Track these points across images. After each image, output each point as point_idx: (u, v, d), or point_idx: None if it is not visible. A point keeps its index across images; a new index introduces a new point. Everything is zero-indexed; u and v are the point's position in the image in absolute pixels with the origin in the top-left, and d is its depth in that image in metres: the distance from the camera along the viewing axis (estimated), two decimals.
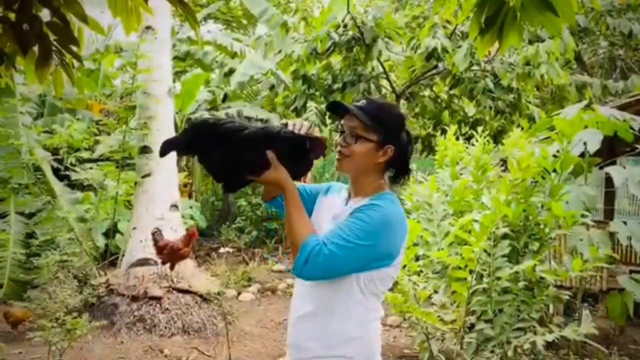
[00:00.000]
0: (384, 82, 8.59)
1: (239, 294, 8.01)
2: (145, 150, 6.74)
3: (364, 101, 1.85)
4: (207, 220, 12.04)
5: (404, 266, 3.92)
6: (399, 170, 1.88)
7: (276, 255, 10.92)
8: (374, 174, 1.85)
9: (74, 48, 2.69)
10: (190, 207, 10.49)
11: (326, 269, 1.69)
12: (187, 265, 6.30)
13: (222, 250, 10.21)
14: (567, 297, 4.34)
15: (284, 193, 1.77)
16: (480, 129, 5.07)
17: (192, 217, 9.94)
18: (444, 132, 6.08)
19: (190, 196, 11.81)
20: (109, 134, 7.99)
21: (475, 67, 7.99)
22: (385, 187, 1.88)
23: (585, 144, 4.52)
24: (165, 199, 6.63)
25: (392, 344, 5.81)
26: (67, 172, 7.52)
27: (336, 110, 1.87)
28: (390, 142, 1.81)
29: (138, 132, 6.79)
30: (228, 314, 5.66)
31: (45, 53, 2.62)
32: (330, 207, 1.94)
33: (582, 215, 4.24)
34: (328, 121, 8.81)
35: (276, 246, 11.43)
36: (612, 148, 6.25)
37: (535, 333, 3.94)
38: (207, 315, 5.99)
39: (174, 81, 7.93)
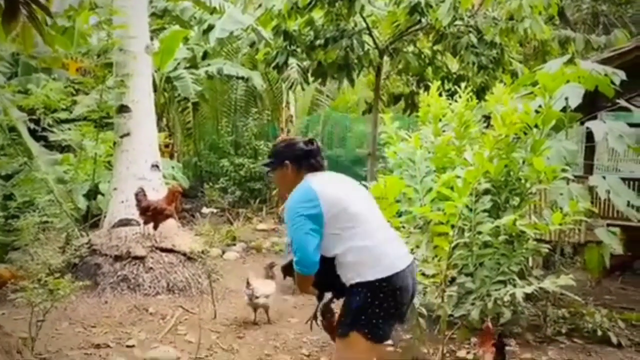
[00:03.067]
0: (367, 38, 8.43)
1: (223, 252, 8.05)
2: (123, 109, 6.60)
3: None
4: (190, 180, 11.95)
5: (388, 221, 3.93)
6: (309, 165, 2.73)
7: (260, 215, 10.96)
8: (295, 182, 2.69)
9: (43, 0, 2.57)
10: (172, 168, 10.38)
11: (306, 262, 2.53)
12: (170, 225, 6.28)
13: (205, 210, 10.19)
14: (546, 250, 4.43)
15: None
16: (463, 85, 5.03)
17: (174, 178, 9.84)
18: (427, 88, 6.02)
19: (171, 156, 11.67)
20: (86, 93, 7.79)
21: (458, 22, 7.87)
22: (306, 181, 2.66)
23: (567, 99, 4.52)
24: (145, 158, 6.55)
25: None
26: (45, 133, 7.36)
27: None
28: (285, 160, 2.75)
29: (116, 91, 6.64)
30: (212, 272, 5.68)
31: (12, 5, 2.50)
32: None
33: (563, 170, 4.28)
34: (310, 79, 8.67)
35: (260, 206, 11.44)
36: (594, 103, 6.27)
37: (515, 286, 4.03)
38: (191, 273, 6.01)
39: (151, 39, 7.71)
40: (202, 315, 5.15)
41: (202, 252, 5.75)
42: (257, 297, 5.03)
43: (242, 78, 11.58)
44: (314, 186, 2.59)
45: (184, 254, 6.13)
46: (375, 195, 3.58)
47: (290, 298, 5.98)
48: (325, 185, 2.62)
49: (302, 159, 2.75)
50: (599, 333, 4.67)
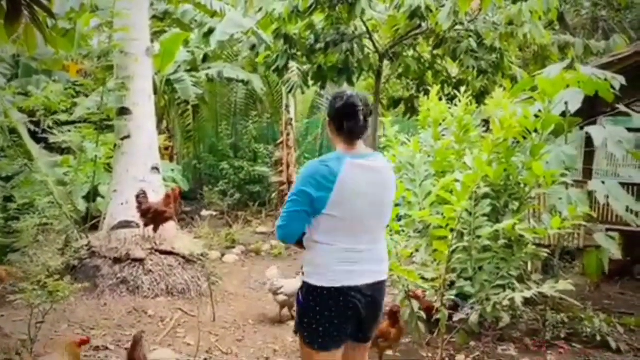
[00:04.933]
0: (367, 42, 8.46)
1: (222, 255, 8.05)
2: (124, 111, 6.61)
3: None
4: (189, 183, 11.96)
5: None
6: (341, 132, 2.48)
7: (260, 218, 10.96)
8: (335, 143, 2.55)
9: (45, 2, 2.58)
10: (172, 170, 10.39)
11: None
12: (170, 228, 6.29)
13: (205, 213, 10.19)
14: (545, 255, 4.44)
15: None
16: (463, 89, 5.05)
17: (174, 180, 9.86)
18: (427, 92, 6.04)
19: (171, 159, 11.68)
20: (86, 95, 7.79)
21: (458, 27, 7.90)
22: (338, 149, 2.50)
23: (566, 103, 4.53)
24: (145, 161, 6.55)
25: None
26: (45, 135, 7.36)
27: None
28: (330, 118, 2.55)
29: (116, 93, 6.65)
30: (212, 275, 5.69)
31: (15, 7, 2.51)
32: None
33: (562, 175, 4.30)
34: (310, 82, 8.68)
35: (260, 209, 11.45)
36: (593, 108, 6.29)
37: (514, 290, 4.03)
38: (190, 276, 6.01)
39: (152, 41, 7.72)
40: (201, 318, 5.15)
41: (202, 254, 5.76)
42: (277, 294, 5.23)
43: (242, 81, 11.59)
44: (334, 166, 2.39)
45: (184, 257, 6.13)
46: None
47: None
48: (350, 172, 2.41)
49: (335, 119, 2.52)
50: (598, 338, 4.68)
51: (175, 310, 5.45)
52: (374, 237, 2.55)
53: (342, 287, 2.41)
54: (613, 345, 4.60)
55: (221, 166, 11.96)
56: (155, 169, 6.65)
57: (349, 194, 2.40)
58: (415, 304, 4.24)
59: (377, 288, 2.53)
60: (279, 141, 11.41)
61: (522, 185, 4.48)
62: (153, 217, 5.93)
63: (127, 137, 6.56)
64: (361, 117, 2.45)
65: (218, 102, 13.24)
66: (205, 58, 11.47)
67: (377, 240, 2.57)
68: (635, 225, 4.98)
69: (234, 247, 8.65)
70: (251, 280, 6.92)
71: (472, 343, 4.59)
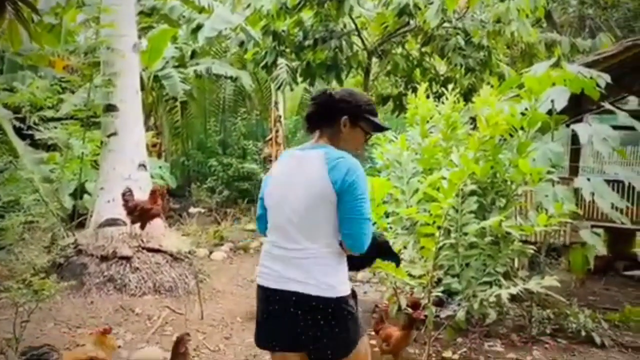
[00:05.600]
0: (356, 39, 8.46)
1: (210, 253, 8.03)
2: (110, 108, 6.56)
3: None
4: (177, 180, 11.90)
5: (374, 223, 3.95)
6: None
7: (248, 215, 10.94)
8: None
9: None
10: (160, 167, 10.35)
11: None
12: (157, 225, 6.25)
13: (193, 210, 10.15)
14: (531, 252, 4.47)
15: None
16: (450, 87, 5.06)
17: (161, 177, 9.82)
18: (415, 90, 6.06)
19: (159, 156, 11.63)
20: (73, 91, 7.73)
21: (446, 24, 7.93)
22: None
23: (552, 101, 4.56)
24: (132, 158, 6.51)
25: (363, 299, 5.88)
26: (30, 132, 7.29)
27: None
28: None
29: (103, 90, 6.59)
30: (199, 273, 5.67)
31: None
32: None
33: (548, 172, 4.33)
34: (299, 79, 8.68)
35: (249, 206, 11.42)
36: (579, 106, 6.34)
37: (500, 286, 4.06)
38: (178, 274, 5.98)
39: (139, 37, 7.67)
40: (188, 315, 5.14)
41: (189, 252, 5.74)
42: None
43: (231, 78, 11.57)
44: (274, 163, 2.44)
45: (171, 254, 6.10)
46: None
47: None
48: (279, 162, 2.41)
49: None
50: (583, 333, 4.73)
51: (162, 308, 5.43)
52: (292, 237, 2.25)
53: (263, 286, 2.35)
54: (597, 340, 4.65)
55: (209, 163, 11.91)
56: (143, 166, 6.61)
57: (270, 184, 2.34)
58: (403, 301, 4.26)
59: (293, 301, 2.21)
60: (267, 138, 11.40)
61: (508, 183, 4.51)
62: (140, 214, 5.90)
63: (114, 134, 6.51)
64: (311, 110, 2.35)
65: (206, 99, 13.19)
66: (194, 54, 11.44)
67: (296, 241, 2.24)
68: (619, 222, 5.03)
69: (222, 245, 8.63)
70: (239, 277, 6.90)
71: (459, 339, 4.62)
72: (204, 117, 13.12)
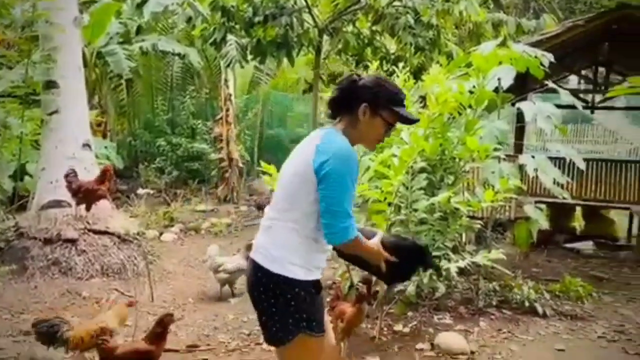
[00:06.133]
0: (307, 17, 8.37)
1: (161, 234, 7.89)
2: (51, 85, 6.27)
3: None
4: (124, 160, 11.56)
5: None
6: None
7: (199, 196, 10.77)
8: None
9: None
10: (105, 147, 10.00)
11: None
12: (103, 207, 6.06)
13: (141, 191, 9.90)
14: (478, 226, 4.60)
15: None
16: (401, 65, 5.10)
17: (107, 158, 9.49)
18: (366, 68, 6.07)
19: (104, 136, 11.22)
20: (10, 67, 7.36)
21: (396, 3, 7.96)
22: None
23: (499, 79, 4.66)
24: (75, 137, 6.27)
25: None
26: None
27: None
28: None
29: (42, 66, 6.29)
30: (149, 254, 5.56)
31: None
32: None
33: (495, 149, 4.44)
34: (249, 57, 8.53)
35: (199, 186, 11.24)
36: (524, 85, 6.51)
37: (449, 260, 4.17)
38: (126, 256, 5.85)
39: (81, 12, 7.34)
40: (138, 297, 5.04)
41: (138, 233, 5.61)
42: (217, 271, 5.21)
43: (179, 55, 11.25)
44: None
45: (119, 236, 5.95)
46: None
47: None
48: None
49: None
50: (527, 304, 4.92)
51: (110, 291, 5.30)
52: (274, 205, 2.26)
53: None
54: (540, 310, 4.85)
55: (158, 143, 11.62)
56: (87, 145, 6.38)
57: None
58: (355, 276, 4.31)
59: (253, 266, 2.24)
60: (217, 117, 11.19)
61: (457, 160, 4.60)
62: (85, 195, 5.69)
63: (55, 112, 6.23)
64: (334, 95, 2.28)
65: (153, 77, 12.80)
66: (139, 30, 11.01)
67: (275, 209, 2.25)
68: (561, 197, 5.23)
69: (172, 226, 8.48)
70: (190, 258, 6.81)
71: (410, 313, 4.72)
72: (151, 96, 12.73)
